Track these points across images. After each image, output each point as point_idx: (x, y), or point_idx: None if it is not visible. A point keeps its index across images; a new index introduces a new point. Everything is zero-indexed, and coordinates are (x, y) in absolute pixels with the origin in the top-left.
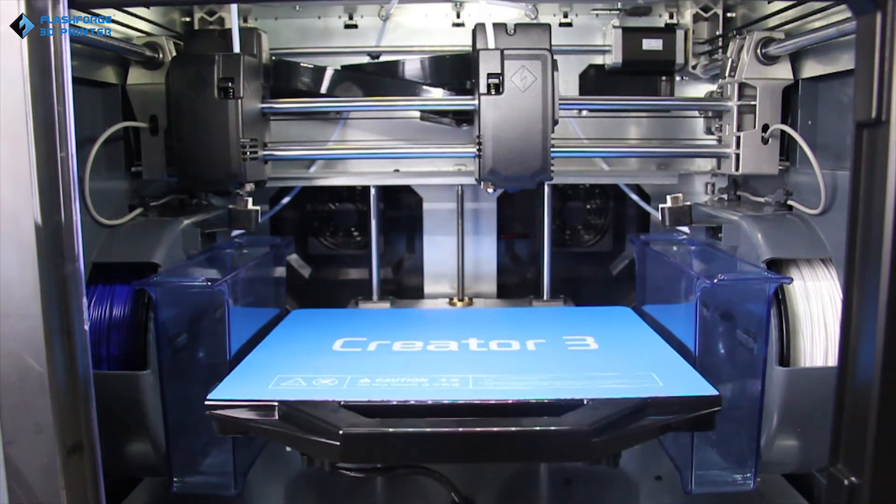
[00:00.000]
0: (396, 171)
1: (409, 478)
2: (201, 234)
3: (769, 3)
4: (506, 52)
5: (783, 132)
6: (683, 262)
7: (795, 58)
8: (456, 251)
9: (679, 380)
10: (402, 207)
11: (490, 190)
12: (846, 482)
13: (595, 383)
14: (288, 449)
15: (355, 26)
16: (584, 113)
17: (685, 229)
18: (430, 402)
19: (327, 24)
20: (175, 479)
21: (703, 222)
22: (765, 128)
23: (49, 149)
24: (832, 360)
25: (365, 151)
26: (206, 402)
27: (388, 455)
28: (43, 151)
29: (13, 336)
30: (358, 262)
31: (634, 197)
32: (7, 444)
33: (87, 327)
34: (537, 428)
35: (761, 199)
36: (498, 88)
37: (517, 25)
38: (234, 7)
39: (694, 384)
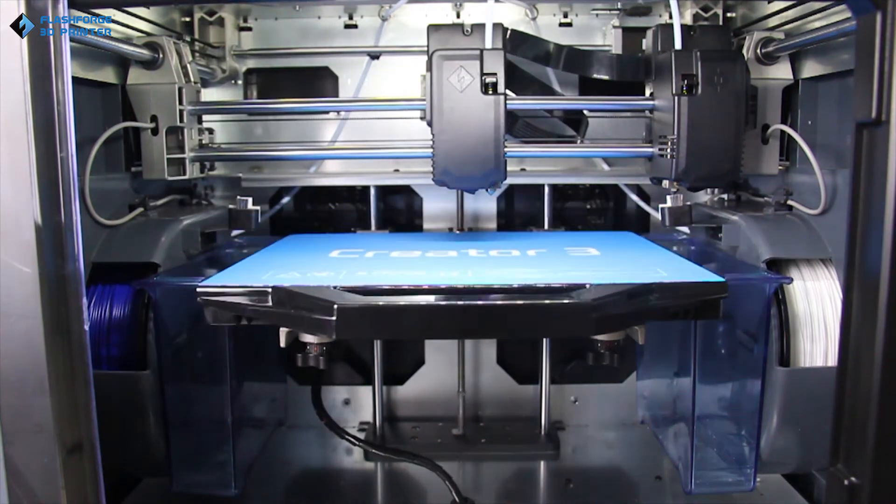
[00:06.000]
0: (396, 171)
1: (408, 478)
2: (201, 234)
3: (769, 3)
4: (701, 53)
5: (783, 132)
6: None
7: (795, 58)
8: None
9: (684, 273)
10: (402, 207)
11: (674, 189)
12: (846, 482)
13: (598, 273)
14: (282, 343)
15: (355, 26)
16: (585, 113)
17: (685, 229)
18: (426, 287)
19: (327, 24)
20: (175, 479)
21: (703, 222)
22: (765, 128)
23: (49, 149)
24: (832, 360)
25: (365, 151)
26: (198, 290)
27: (385, 329)
28: (43, 151)
29: (13, 336)
30: None
31: (634, 197)
32: (7, 444)
33: (87, 327)
34: (538, 301)
35: (761, 199)
36: (692, 89)
37: (699, 27)
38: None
39: (700, 276)
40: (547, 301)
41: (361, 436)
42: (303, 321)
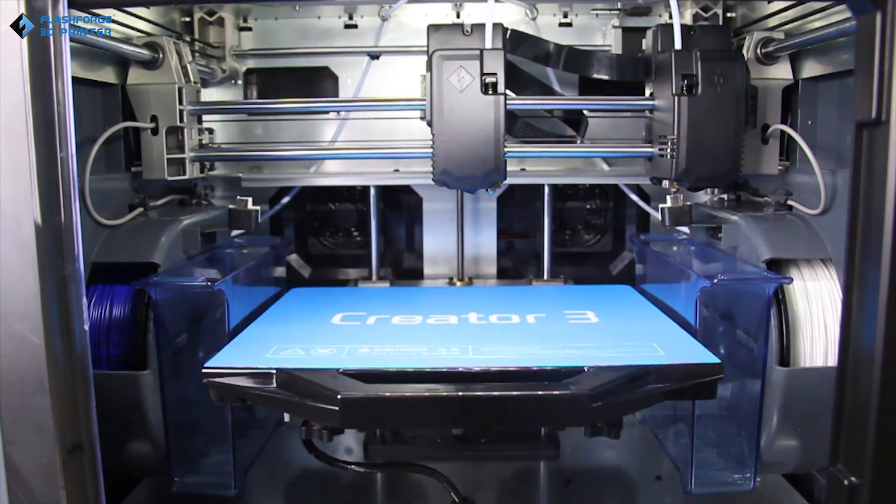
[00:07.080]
0: (396, 171)
1: (409, 478)
2: (201, 234)
3: (769, 3)
4: (701, 53)
5: (783, 132)
6: (683, 262)
7: (795, 58)
8: (456, 251)
9: (680, 349)
10: (402, 207)
11: (674, 189)
12: (846, 482)
13: (596, 352)
14: (286, 419)
15: (355, 26)
16: (585, 113)
17: (685, 229)
18: (428, 370)
19: (327, 24)
20: (175, 479)
21: (703, 222)
22: (765, 128)
23: (49, 149)
24: (832, 360)
25: (365, 151)
26: (204, 370)
27: (387, 420)
28: (43, 151)
29: (13, 336)
30: (358, 262)
31: (634, 197)
32: (7, 444)
33: (87, 327)
34: (537, 392)
35: (761, 199)
36: (692, 89)
37: (699, 27)
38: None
39: (695, 353)
40: (542, 393)
41: (361, 436)
42: (306, 409)
